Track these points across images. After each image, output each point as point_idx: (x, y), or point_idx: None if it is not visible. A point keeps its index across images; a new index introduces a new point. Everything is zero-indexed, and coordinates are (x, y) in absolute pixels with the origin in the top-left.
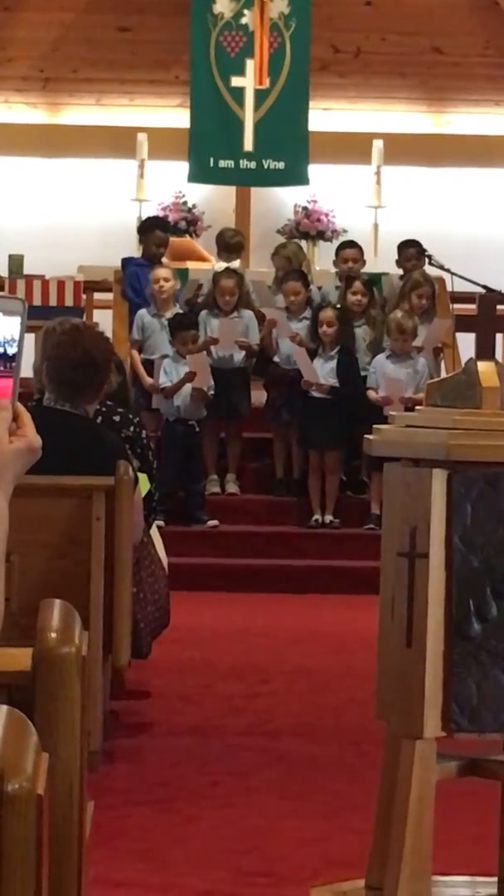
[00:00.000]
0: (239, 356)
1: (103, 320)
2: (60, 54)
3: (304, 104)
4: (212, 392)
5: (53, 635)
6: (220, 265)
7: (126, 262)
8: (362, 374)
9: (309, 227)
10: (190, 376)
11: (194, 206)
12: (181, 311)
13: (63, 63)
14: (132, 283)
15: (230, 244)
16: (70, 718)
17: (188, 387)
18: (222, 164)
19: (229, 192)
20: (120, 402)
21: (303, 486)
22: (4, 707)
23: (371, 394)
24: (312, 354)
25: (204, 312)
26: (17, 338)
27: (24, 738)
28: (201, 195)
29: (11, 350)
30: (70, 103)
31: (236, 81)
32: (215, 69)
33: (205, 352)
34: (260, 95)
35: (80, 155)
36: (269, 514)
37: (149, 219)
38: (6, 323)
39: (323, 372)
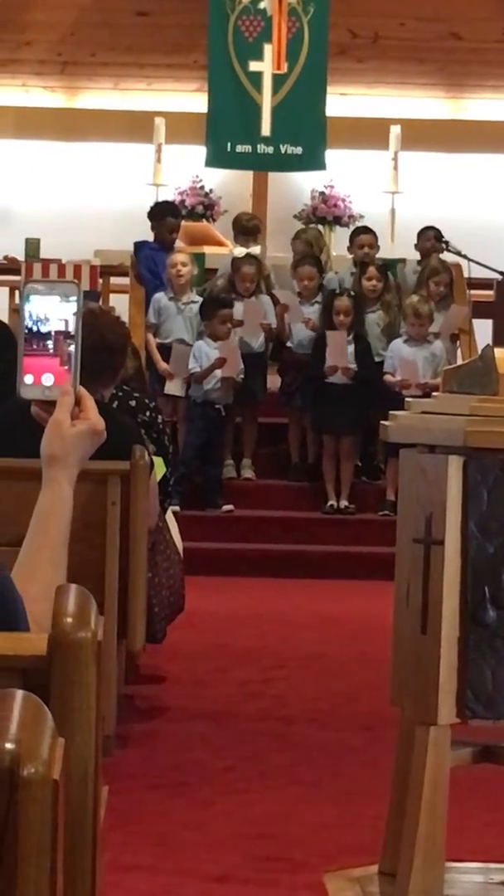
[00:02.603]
0: (258, 342)
1: (119, 304)
2: (78, 38)
3: (322, 89)
4: (241, 377)
5: (69, 620)
6: (240, 250)
7: (139, 245)
8: (378, 359)
9: (326, 213)
10: (220, 362)
11: (211, 190)
12: (212, 294)
13: (81, 47)
14: (148, 265)
15: (247, 227)
16: (85, 703)
17: (218, 371)
18: (240, 148)
19: (246, 176)
20: (136, 386)
21: (318, 471)
22: (20, 692)
23: (388, 378)
24: (325, 339)
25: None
26: (74, 321)
27: (40, 722)
28: (218, 180)
29: (67, 331)
30: (88, 87)
31: (254, 66)
32: (233, 54)
33: (237, 338)
34: (278, 80)
35: (97, 139)
36: (284, 499)
37: (158, 205)
38: (63, 307)
39: (334, 351)
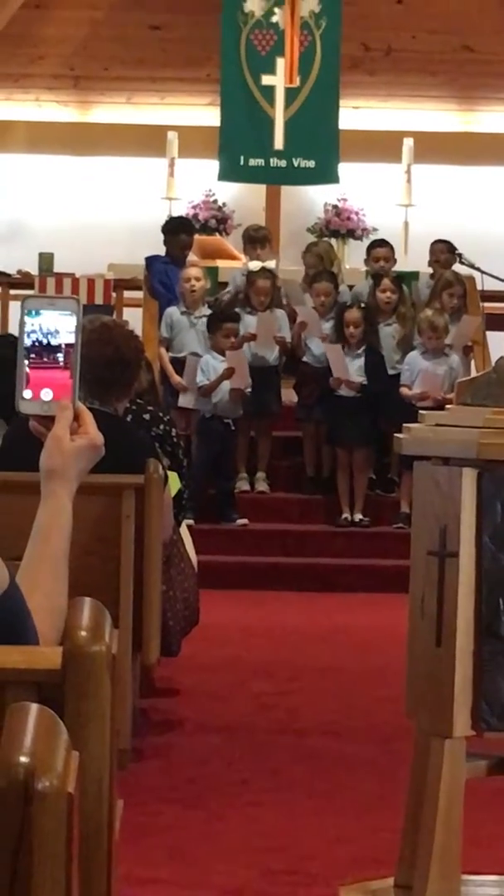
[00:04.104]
0: (272, 355)
1: (133, 318)
2: (91, 52)
3: (335, 102)
4: (249, 389)
5: (83, 633)
6: (255, 264)
7: (151, 259)
8: (392, 371)
9: (339, 226)
10: (228, 373)
11: (224, 204)
12: (219, 307)
13: (94, 61)
14: (161, 278)
15: (255, 237)
16: (100, 716)
17: (226, 384)
18: (252, 162)
19: (259, 190)
20: (150, 400)
21: (332, 484)
22: (35, 705)
23: (404, 391)
24: None
25: (237, 310)
26: (73, 336)
27: (55, 736)
28: (231, 194)
29: (67, 344)
30: (101, 101)
31: (267, 80)
32: (246, 67)
33: (243, 349)
34: (290, 94)
35: (110, 153)
36: (298, 512)
37: (173, 220)
38: (62, 322)
39: (350, 370)
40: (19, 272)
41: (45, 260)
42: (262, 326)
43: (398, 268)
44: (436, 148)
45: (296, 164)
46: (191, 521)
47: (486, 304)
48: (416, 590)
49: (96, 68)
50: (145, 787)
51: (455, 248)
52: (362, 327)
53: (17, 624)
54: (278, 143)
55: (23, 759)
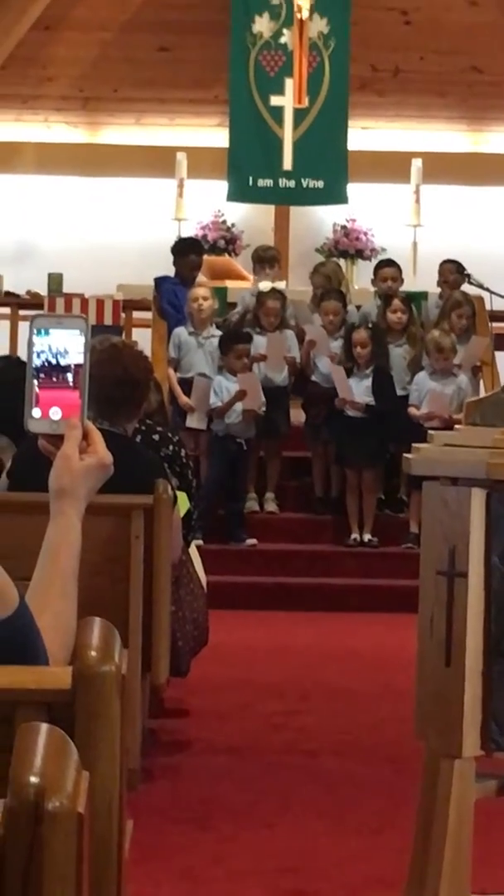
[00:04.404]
0: (282, 375)
1: (142, 339)
2: (100, 73)
3: (343, 123)
4: (263, 409)
5: (93, 653)
6: (265, 285)
7: (160, 280)
8: (403, 392)
9: (348, 246)
10: (240, 395)
11: (233, 224)
12: (228, 327)
13: (103, 82)
14: (170, 298)
15: (264, 257)
16: (110, 737)
17: (238, 404)
18: (261, 182)
19: (268, 210)
20: (159, 420)
21: (341, 504)
22: (45, 725)
23: (412, 411)
24: (348, 373)
25: (247, 331)
26: (82, 355)
27: (65, 756)
28: (240, 214)
29: (76, 364)
30: (110, 122)
31: (275, 101)
32: (254, 88)
33: (255, 371)
34: (299, 114)
35: (119, 174)
36: (307, 532)
37: (182, 241)
38: (71, 341)
39: (358, 390)
40: (28, 293)
41: (55, 280)
42: (272, 347)
43: (407, 288)
44: (444, 168)
45: (304, 184)
46: (200, 542)
47: (495, 325)
48: (426, 610)
49: (105, 89)
50: (155, 808)
51: (464, 269)
52: (370, 347)
53: (26, 644)
54: (287, 163)
55: (33, 779)
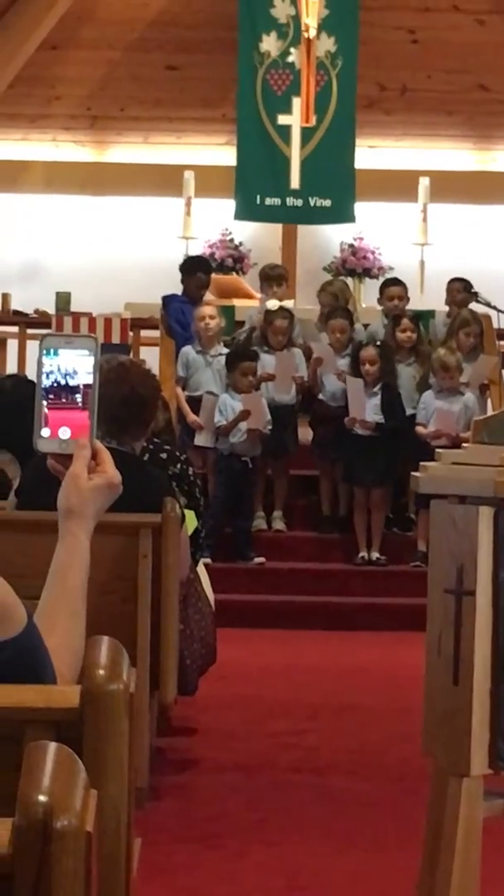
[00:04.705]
0: (290, 394)
1: (150, 357)
2: (108, 92)
3: (351, 142)
4: (269, 428)
5: (101, 672)
6: (273, 303)
7: (168, 298)
8: (412, 411)
9: (355, 265)
10: (244, 415)
11: (241, 243)
12: (236, 345)
13: (110, 101)
14: (177, 317)
15: (271, 275)
16: (118, 755)
17: (244, 423)
18: (269, 201)
19: (276, 229)
20: (166, 439)
21: (349, 523)
22: (52, 744)
23: (420, 429)
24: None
25: (254, 348)
26: (91, 376)
27: (73, 774)
28: (248, 233)
29: (85, 384)
30: (117, 141)
31: (283, 119)
32: (262, 107)
33: (261, 390)
34: (306, 133)
35: (127, 193)
36: (315, 551)
37: (190, 259)
38: (80, 362)
39: (367, 409)
40: (37, 311)
41: (62, 299)
42: (280, 366)
43: (415, 307)
44: (452, 187)
45: (312, 203)
46: (208, 560)
47: (503, 343)
48: (433, 628)
49: (113, 108)
50: (163, 827)
51: (472, 287)
52: (378, 365)
53: (34, 663)
54: (294, 182)
55: (41, 797)
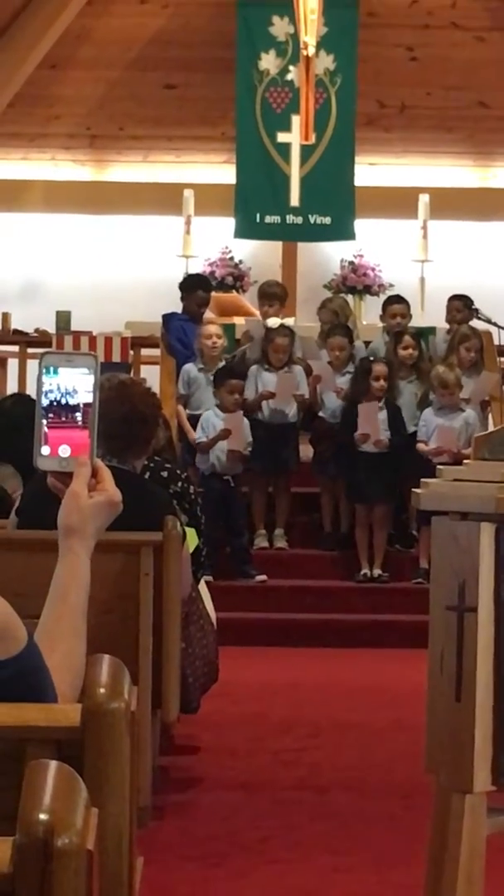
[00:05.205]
0: (292, 411)
1: (150, 376)
2: (107, 111)
3: (350, 159)
4: (249, 449)
5: (102, 690)
6: (274, 321)
7: (168, 317)
8: (413, 428)
9: (356, 282)
10: (224, 434)
11: (241, 261)
12: (237, 362)
13: (109, 120)
14: (178, 335)
15: (268, 293)
16: (119, 773)
17: (224, 441)
18: (269, 219)
19: (276, 247)
20: (167, 457)
21: (351, 540)
22: (53, 762)
23: (421, 447)
24: (354, 409)
25: (255, 367)
26: (90, 392)
27: (74, 793)
28: (248, 251)
29: (85, 403)
30: (117, 160)
31: (282, 137)
32: (261, 125)
33: (241, 412)
34: (306, 151)
35: (126, 212)
36: (317, 568)
37: (191, 277)
38: (80, 380)
39: (365, 421)
40: (37, 330)
41: (63, 318)
42: (281, 386)
43: (415, 324)
44: (452, 204)
45: (312, 220)
46: (209, 578)
47: (503, 359)
48: (436, 645)
49: (112, 127)
50: (166, 845)
51: (472, 304)
52: (387, 380)
53: (35, 682)
54: (294, 199)
55: (42, 816)
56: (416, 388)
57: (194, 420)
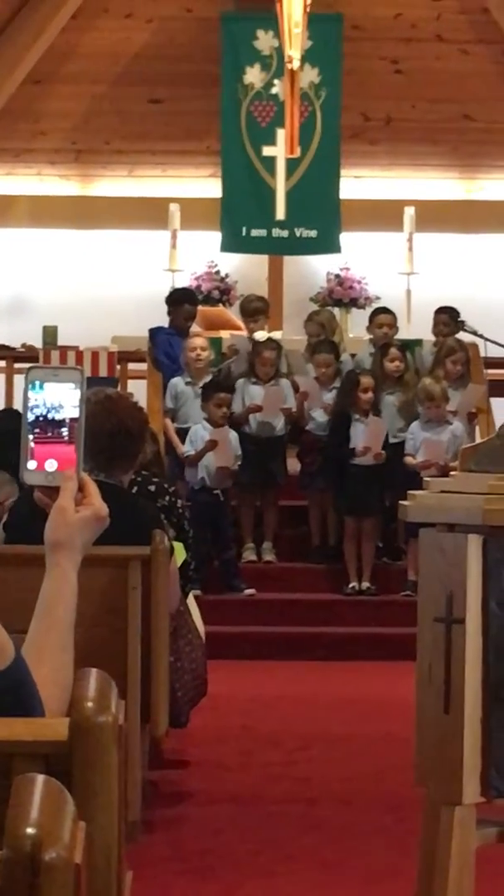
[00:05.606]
0: (279, 424)
1: (137, 390)
2: (92, 126)
3: (336, 172)
4: (238, 464)
5: (90, 704)
6: (261, 334)
7: (155, 331)
8: (394, 440)
9: (342, 295)
10: (211, 445)
11: (227, 275)
12: (223, 376)
13: (95, 135)
14: (165, 349)
15: (248, 309)
16: (107, 787)
17: (212, 456)
18: (254, 233)
19: (262, 260)
20: (155, 472)
21: (339, 553)
22: (41, 776)
23: (409, 460)
24: (346, 420)
25: (242, 381)
26: (76, 406)
27: (61, 806)
28: (234, 265)
29: (71, 418)
30: (102, 175)
31: (267, 151)
32: (246, 139)
33: (227, 426)
34: (291, 164)
35: (112, 226)
36: (305, 581)
37: (177, 291)
38: (65, 392)
39: (371, 437)
40: (24, 346)
41: (49, 333)
42: (268, 399)
43: (401, 336)
44: (437, 216)
45: (298, 234)
46: (198, 592)
47: (490, 371)
48: (424, 657)
49: (97, 142)
50: (156, 860)
51: (459, 316)
52: (373, 393)
53: (23, 696)
54: (280, 213)
55: (29, 830)
56: (396, 399)
57: (182, 434)
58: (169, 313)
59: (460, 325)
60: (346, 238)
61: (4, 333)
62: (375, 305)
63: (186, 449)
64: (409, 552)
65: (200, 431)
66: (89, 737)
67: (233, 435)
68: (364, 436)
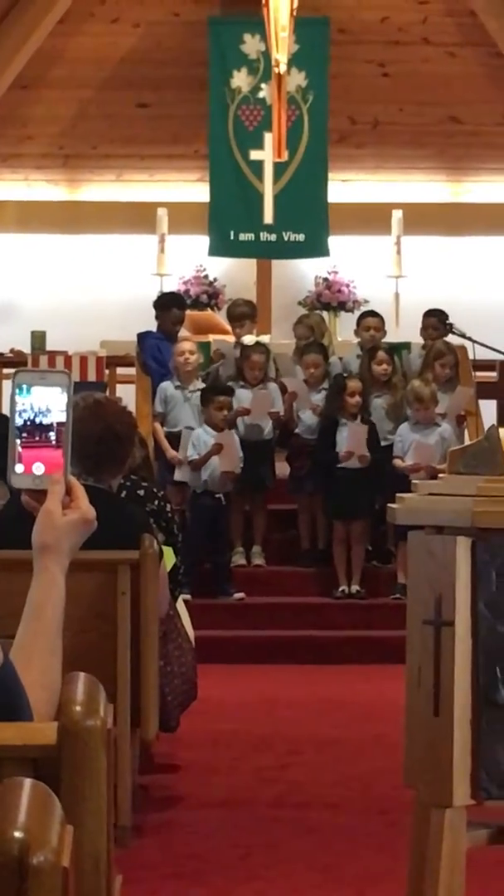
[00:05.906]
0: (267, 428)
1: (126, 395)
2: (80, 131)
3: (323, 176)
4: (240, 468)
5: (78, 708)
6: (249, 338)
7: (143, 335)
8: (384, 443)
9: (330, 298)
10: (216, 449)
11: (215, 279)
12: (211, 380)
13: (82, 140)
14: (153, 354)
15: (234, 314)
16: (96, 791)
17: (216, 459)
18: (242, 237)
19: (250, 264)
20: (144, 476)
21: (328, 556)
22: (28, 780)
23: (398, 462)
24: (334, 424)
25: (230, 384)
26: (63, 410)
27: (49, 810)
28: (222, 268)
29: (58, 422)
30: (90, 180)
31: (255, 155)
32: (234, 143)
33: (234, 431)
34: (279, 168)
35: (100, 231)
36: (295, 585)
37: (164, 295)
38: (52, 396)
39: (353, 441)
40: (12, 351)
41: (37, 338)
42: (256, 403)
43: (389, 339)
44: (425, 219)
45: (286, 237)
46: (188, 596)
47: (478, 374)
48: (413, 660)
49: (85, 147)
50: (146, 864)
51: (447, 319)
52: (360, 397)
53: (11, 700)
54: (268, 217)
55: (17, 834)
56: (384, 402)
57: (172, 437)
58: (157, 318)
59: (449, 328)
60: (334, 241)
61: None
62: (364, 309)
63: (190, 453)
64: (398, 555)
65: (203, 436)
66: (77, 740)
67: (236, 438)
68: (347, 440)
